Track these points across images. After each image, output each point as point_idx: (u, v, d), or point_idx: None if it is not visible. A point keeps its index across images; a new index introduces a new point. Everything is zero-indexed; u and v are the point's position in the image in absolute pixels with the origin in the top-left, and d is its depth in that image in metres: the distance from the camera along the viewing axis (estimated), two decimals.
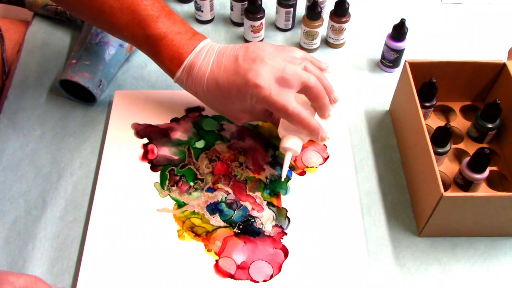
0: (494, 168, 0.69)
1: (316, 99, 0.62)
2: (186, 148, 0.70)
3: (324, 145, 0.71)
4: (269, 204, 0.65)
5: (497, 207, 0.58)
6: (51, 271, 0.60)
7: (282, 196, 0.66)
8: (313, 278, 0.60)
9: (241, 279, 0.59)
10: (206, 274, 0.60)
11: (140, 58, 0.82)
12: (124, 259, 0.61)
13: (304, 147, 0.70)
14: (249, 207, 0.65)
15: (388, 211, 0.66)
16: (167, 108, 0.74)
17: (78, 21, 0.84)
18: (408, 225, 0.65)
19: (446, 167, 0.69)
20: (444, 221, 0.61)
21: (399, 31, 0.76)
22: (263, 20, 0.82)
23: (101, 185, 0.66)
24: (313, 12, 0.78)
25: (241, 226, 0.63)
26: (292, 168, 0.69)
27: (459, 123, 0.73)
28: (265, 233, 0.63)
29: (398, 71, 0.80)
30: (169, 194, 0.66)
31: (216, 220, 0.64)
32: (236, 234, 0.63)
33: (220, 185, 0.67)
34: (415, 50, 0.83)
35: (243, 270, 0.60)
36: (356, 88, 0.79)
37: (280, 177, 0.66)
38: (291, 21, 0.86)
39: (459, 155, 0.71)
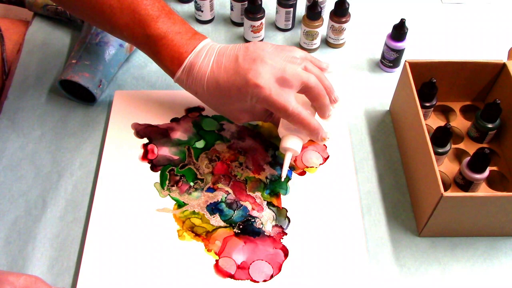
0: (494, 168, 0.69)
1: (316, 99, 0.62)
2: (186, 148, 0.70)
3: (324, 145, 0.71)
4: (269, 204, 0.65)
5: (497, 207, 0.58)
6: (51, 271, 0.60)
7: (282, 196, 0.66)
8: (313, 278, 0.60)
9: (241, 279, 0.59)
10: (206, 274, 0.60)
11: (140, 58, 0.82)
12: (124, 259, 0.61)
13: (304, 147, 0.70)
14: (249, 207, 0.65)
15: (388, 211, 0.66)
16: (167, 108, 0.74)
17: (78, 21, 0.84)
18: (408, 225, 0.65)
19: (446, 167, 0.69)
20: (444, 221, 0.61)
21: (399, 31, 0.76)
22: (263, 20, 0.82)
23: (101, 185, 0.66)
24: (313, 12, 0.78)
25: (241, 226, 0.63)
26: (292, 168, 0.69)
27: (459, 123, 0.73)
28: (265, 233, 0.63)
29: (398, 71, 0.80)
30: (169, 194, 0.66)
31: (216, 220, 0.64)
32: (236, 234, 0.63)
33: (220, 185, 0.67)
34: (415, 50, 0.83)
35: (243, 270, 0.60)
36: (356, 88, 0.79)
37: (280, 177, 0.66)
38: (291, 21, 0.86)
39: (459, 155, 0.71)
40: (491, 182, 0.68)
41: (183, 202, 0.65)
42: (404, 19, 0.75)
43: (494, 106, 0.67)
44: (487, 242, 0.64)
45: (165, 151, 0.70)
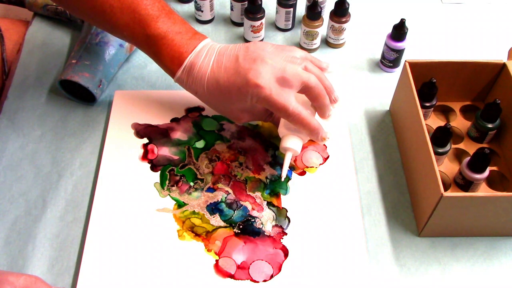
0: (494, 168, 0.69)
1: (317, 99, 0.62)
2: (186, 148, 0.70)
3: (324, 145, 0.71)
4: (269, 204, 0.65)
5: (497, 207, 0.58)
6: (51, 271, 0.60)
7: (282, 196, 0.66)
8: (313, 278, 0.60)
9: (241, 279, 0.59)
10: (206, 274, 0.60)
11: (140, 58, 0.82)
12: (124, 259, 0.61)
13: (304, 147, 0.70)
14: (249, 207, 0.65)
15: (388, 211, 0.66)
16: (167, 108, 0.74)
17: (78, 21, 0.84)
18: (408, 225, 0.65)
19: (446, 167, 0.69)
20: (444, 221, 0.61)
21: (399, 31, 0.76)
22: (263, 20, 0.82)
23: (101, 185, 0.66)
24: (313, 12, 0.78)
25: (241, 226, 0.63)
26: (292, 168, 0.69)
27: (459, 123, 0.73)
28: (265, 233, 0.63)
29: (398, 71, 0.80)
30: (169, 194, 0.66)
31: (216, 220, 0.64)
32: (236, 234, 0.63)
33: (220, 185, 0.67)
34: (415, 50, 0.83)
35: (243, 270, 0.60)
36: (356, 88, 0.79)
37: (280, 177, 0.66)
38: (291, 21, 0.86)
39: (459, 155, 0.71)
40: (491, 182, 0.68)
41: (183, 202, 0.65)
42: (404, 19, 0.75)
43: (494, 106, 0.67)
44: (487, 242, 0.64)
45: (165, 151, 0.70)
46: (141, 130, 0.72)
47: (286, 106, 0.60)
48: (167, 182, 0.67)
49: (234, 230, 0.63)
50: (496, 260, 0.62)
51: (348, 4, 0.79)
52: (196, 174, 0.68)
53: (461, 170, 0.64)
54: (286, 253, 0.61)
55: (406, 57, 0.75)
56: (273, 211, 0.65)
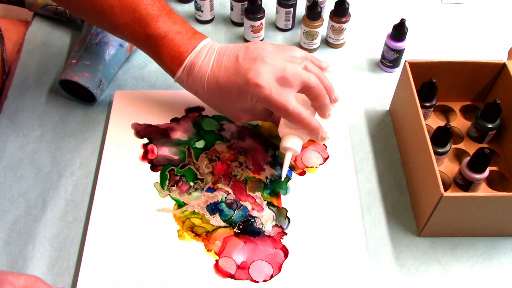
0: (494, 168, 0.69)
1: (317, 99, 0.62)
2: (186, 148, 0.70)
3: (324, 145, 0.71)
4: (269, 204, 0.65)
5: (497, 207, 0.58)
6: (51, 271, 0.60)
7: (282, 196, 0.66)
8: (313, 278, 0.60)
9: (241, 279, 0.59)
10: (206, 274, 0.60)
11: (140, 58, 0.82)
12: (124, 259, 0.61)
13: (304, 147, 0.70)
14: (249, 207, 0.65)
15: (388, 211, 0.66)
16: (167, 108, 0.74)
17: (78, 21, 0.84)
18: (408, 225, 0.65)
19: (446, 167, 0.69)
20: (444, 221, 0.61)
21: (399, 31, 0.76)
22: (263, 20, 0.82)
23: (101, 185, 0.66)
24: (313, 12, 0.78)
25: (241, 226, 0.63)
26: (292, 168, 0.69)
27: (459, 123, 0.73)
28: (265, 233, 0.63)
29: (398, 71, 0.80)
30: (169, 194, 0.66)
31: (216, 220, 0.64)
32: (236, 234, 0.63)
33: (220, 185, 0.67)
34: (415, 50, 0.83)
35: (243, 270, 0.60)
36: (356, 88, 0.79)
37: (280, 177, 0.66)
38: (291, 21, 0.86)
39: (459, 155, 0.71)
40: (491, 182, 0.68)
41: (183, 202, 0.65)
42: (404, 19, 0.75)
43: (494, 106, 0.67)
44: (487, 242, 0.64)
45: (165, 151, 0.70)
46: (141, 130, 0.72)
47: (286, 105, 0.60)
48: (167, 182, 0.67)
49: (234, 230, 0.63)
50: (496, 260, 0.62)
51: (348, 4, 0.79)
52: (196, 174, 0.68)
53: (461, 170, 0.64)
54: (286, 253, 0.61)
55: (406, 57, 0.75)
56: (273, 211, 0.65)
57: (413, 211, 0.66)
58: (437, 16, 0.90)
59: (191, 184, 0.67)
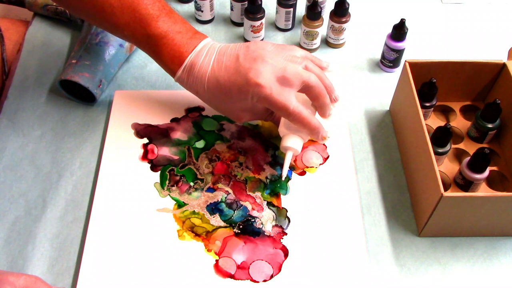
0: (494, 168, 0.69)
1: (317, 98, 0.62)
2: (186, 148, 0.70)
3: (324, 145, 0.71)
4: (269, 204, 0.65)
5: (497, 207, 0.58)
6: (51, 271, 0.60)
7: (282, 196, 0.66)
8: (313, 278, 0.60)
9: (241, 279, 0.59)
10: (206, 274, 0.60)
11: (140, 58, 0.82)
12: (124, 259, 0.61)
13: (304, 147, 0.70)
14: (249, 207, 0.65)
15: (388, 211, 0.66)
16: (167, 108, 0.74)
17: (78, 21, 0.84)
18: (408, 225, 0.65)
19: (446, 167, 0.69)
20: (444, 221, 0.61)
21: (399, 31, 0.76)
22: (263, 20, 0.82)
23: (101, 185, 0.66)
24: (313, 12, 0.78)
25: (241, 226, 0.63)
26: (292, 168, 0.69)
27: (459, 123, 0.73)
28: (265, 233, 0.63)
29: (398, 71, 0.80)
30: (169, 194, 0.66)
31: (216, 220, 0.64)
32: (236, 234, 0.63)
33: (220, 185, 0.67)
34: (415, 50, 0.83)
35: (243, 270, 0.60)
36: (356, 88, 0.79)
37: (280, 177, 0.66)
38: (291, 21, 0.86)
39: (459, 155, 0.71)
40: (491, 182, 0.68)
41: (183, 202, 0.65)
42: (404, 19, 0.75)
43: (494, 106, 0.67)
44: (487, 242, 0.64)
45: (165, 151, 0.70)
46: (141, 130, 0.72)
47: (287, 105, 0.60)
48: (167, 182, 0.67)
49: (234, 230, 0.63)
50: (496, 260, 0.62)
51: (348, 4, 0.79)
52: (196, 174, 0.68)
53: (461, 170, 0.64)
54: (286, 253, 0.61)
55: (406, 57, 0.75)
56: (273, 211, 0.65)
57: (413, 211, 0.66)
58: (437, 16, 0.90)
59: (191, 184, 0.67)
